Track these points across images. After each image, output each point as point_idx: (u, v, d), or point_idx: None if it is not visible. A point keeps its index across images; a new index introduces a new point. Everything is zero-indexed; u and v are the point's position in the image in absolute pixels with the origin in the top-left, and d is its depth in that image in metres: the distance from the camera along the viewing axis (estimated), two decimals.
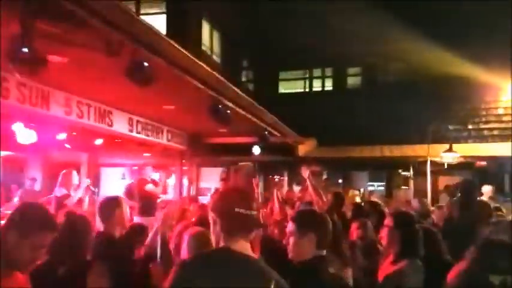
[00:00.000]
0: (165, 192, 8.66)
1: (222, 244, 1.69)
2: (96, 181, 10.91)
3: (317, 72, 15.61)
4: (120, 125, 7.47)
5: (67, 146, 7.56)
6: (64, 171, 6.14)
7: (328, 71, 15.49)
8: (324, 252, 2.22)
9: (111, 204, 3.18)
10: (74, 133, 7.31)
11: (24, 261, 1.91)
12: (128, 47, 4.03)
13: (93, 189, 7.56)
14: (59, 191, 5.88)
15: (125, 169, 13.08)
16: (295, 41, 12.64)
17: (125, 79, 4.22)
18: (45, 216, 2.02)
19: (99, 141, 8.00)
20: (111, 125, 7.18)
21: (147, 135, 8.40)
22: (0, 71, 4.58)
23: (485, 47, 11.76)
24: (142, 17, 7.03)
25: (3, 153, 9.70)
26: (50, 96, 5.76)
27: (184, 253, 2.50)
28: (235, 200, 1.72)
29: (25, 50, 3.34)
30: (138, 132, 8.05)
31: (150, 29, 4.32)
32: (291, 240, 2.24)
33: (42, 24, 3.39)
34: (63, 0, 3.09)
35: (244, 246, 1.69)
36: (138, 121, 8.01)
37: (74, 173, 6.00)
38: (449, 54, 11.91)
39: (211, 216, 1.76)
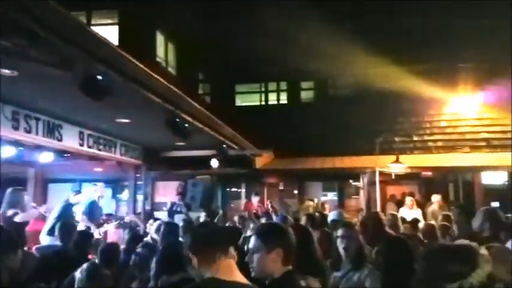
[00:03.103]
0: None
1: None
2: (43, 197, 10.47)
3: (272, 85, 15.87)
4: (70, 139, 7.22)
5: (13, 161, 7.19)
6: (10, 189, 5.85)
7: (283, 85, 15.80)
8: (290, 267, 2.15)
9: None
10: (21, 148, 6.98)
11: None
12: (81, 61, 3.95)
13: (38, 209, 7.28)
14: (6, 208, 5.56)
15: (73, 184, 12.59)
16: (251, 55, 12.84)
17: (76, 92, 4.13)
18: None
19: (47, 156, 7.67)
20: (60, 140, 6.92)
21: (99, 150, 8.17)
22: None
23: (429, 62, 12.53)
24: (94, 28, 6.89)
25: None
26: None
27: None
28: None
29: None
30: (89, 147, 7.81)
31: (103, 41, 4.26)
32: (256, 256, 2.12)
33: None
34: (14, 14, 2.99)
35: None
36: (89, 135, 7.78)
37: (23, 192, 5.72)
38: (395, 69, 12.56)
39: None
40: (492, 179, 12.07)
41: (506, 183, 11.98)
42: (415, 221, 6.15)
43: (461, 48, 12.38)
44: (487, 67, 12.53)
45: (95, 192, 7.95)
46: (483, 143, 13.10)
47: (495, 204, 11.22)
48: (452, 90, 13.21)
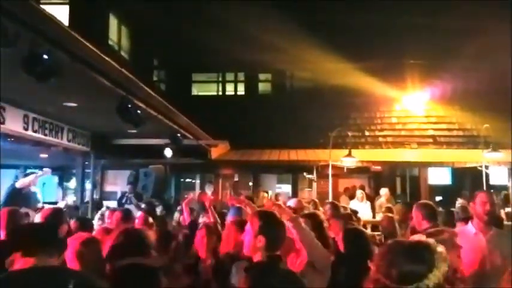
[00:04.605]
0: None
1: None
2: None
3: (230, 76, 15.73)
4: (13, 122, 6.78)
5: None
6: None
7: (241, 76, 15.69)
8: (278, 252, 2.39)
9: None
10: None
11: None
12: (26, 38, 3.68)
13: None
14: None
15: (17, 171, 11.93)
16: (208, 44, 12.64)
17: (20, 72, 3.86)
18: None
19: None
20: (3, 122, 6.49)
21: (45, 135, 7.74)
22: None
23: (382, 60, 12.91)
24: (42, 7, 6.48)
25: None
26: None
27: None
28: None
29: None
30: (34, 131, 7.38)
31: (50, 18, 4.00)
32: (247, 235, 2.43)
33: None
34: None
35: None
36: (34, 118, 7.35)
37: None
38: (349, 66, 12.84)
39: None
40: (437, 174, 12.70)
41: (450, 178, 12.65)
42: (355, 212, 6.43)
43: (411, 45, 12.83)
44: (435, 64, 13.10)
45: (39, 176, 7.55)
46: (430, 140, 13.74)
47: (438, 198, 11.88)
48: (402, 88, 13.72)
